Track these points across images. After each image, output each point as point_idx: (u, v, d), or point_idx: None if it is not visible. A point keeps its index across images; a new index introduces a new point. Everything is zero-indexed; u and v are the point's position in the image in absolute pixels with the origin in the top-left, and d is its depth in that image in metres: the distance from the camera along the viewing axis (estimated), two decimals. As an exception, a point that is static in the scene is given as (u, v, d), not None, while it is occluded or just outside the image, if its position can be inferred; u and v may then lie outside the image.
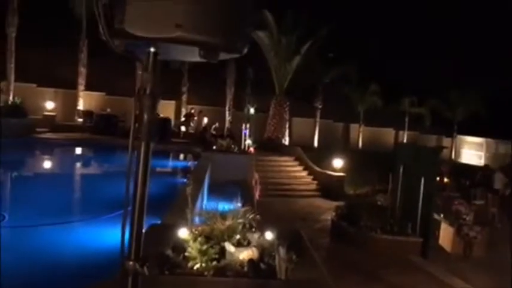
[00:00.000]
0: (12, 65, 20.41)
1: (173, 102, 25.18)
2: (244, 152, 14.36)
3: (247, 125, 15.24)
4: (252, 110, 17.05)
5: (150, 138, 1.69)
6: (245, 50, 1.68)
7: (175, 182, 12.36)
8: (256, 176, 8.10)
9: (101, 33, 1.52)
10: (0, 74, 20.18)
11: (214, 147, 14.50)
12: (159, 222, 6.60)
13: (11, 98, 19.98)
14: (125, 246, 1.54)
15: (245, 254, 4.50)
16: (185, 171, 13.51)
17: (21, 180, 11.84)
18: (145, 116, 1.58)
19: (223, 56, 1.62)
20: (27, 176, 12.59)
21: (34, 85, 21.87)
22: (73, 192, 11.13)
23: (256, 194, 7.06)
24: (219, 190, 9.39)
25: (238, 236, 4.96)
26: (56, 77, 22.44)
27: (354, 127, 28.72)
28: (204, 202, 8.60)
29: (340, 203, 10.93)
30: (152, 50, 1.60)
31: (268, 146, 18.94)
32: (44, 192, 9.54)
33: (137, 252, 1.67)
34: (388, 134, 30.28)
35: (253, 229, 5.47)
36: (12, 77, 20.40)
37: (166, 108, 23.63)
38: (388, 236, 9.12)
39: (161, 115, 22.29)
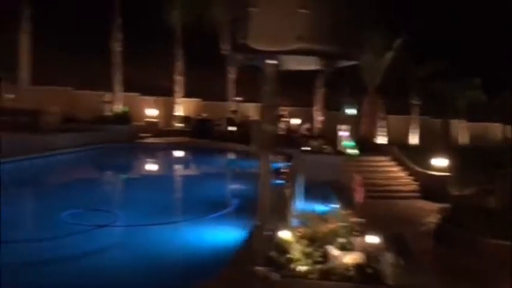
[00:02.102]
0: (118, 77, 22.21)
1: (258, 104, 25.51)
2: (338, 153, 14.13)
3: (345, 126, 14.95)
4: (351, 111, 16.71)
5: (272, 146, 1.76)
6: (361, 57, 1.68)
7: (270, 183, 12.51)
8: (357, 178, 7.93)
9: (224, 48, 1.60)
10: (106, 85, 22.08)
11: (305, 148, 14.40)
12: (259, 223, 6.78)
13: (117, 107, 21.75)
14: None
15: (350, 258, 4.46)
16: (277, 172, 13.63)
17: (129, 182, 12.81)
18: (267, 126, 1.65)
19: (341, 63, 1.63)
20: (135, 178, 13.58)
21: (137, 94, 23.58)
22: (176, 193, 11.81)
23: (358, 197, 6.90)
24: (313, 191, 9.36)
25: (341, 240, 4.93)
26: (157, 85, 23.97)
27: (453, 123, 26.90)
28: (300, 203, 8.62)
29: (444, 205, 10.27)
30: (272, 61, 1.66)
31: (362, 145, 18.42)
32: (150, 193, 10.20)
33: (263, 257, 1.74)
34: (494, 129, 27.92)
35: (357, 233, 5.40)
36: (118, 88, 22.19)
37: (252, 110, 23.99)
38: (499, 241, 8.41)
39: (252, 118, 22.79)
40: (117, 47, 21.98)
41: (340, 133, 14.76)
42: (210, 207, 8.63)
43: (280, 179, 10.78)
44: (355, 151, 13.86)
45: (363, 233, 5.44)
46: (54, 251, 6.00)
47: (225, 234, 7.08)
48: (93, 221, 7.23)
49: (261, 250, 1.57)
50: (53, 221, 7.18)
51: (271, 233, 5.01)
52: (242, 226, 6.48)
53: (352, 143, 14.48)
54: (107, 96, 21.81)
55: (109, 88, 22.03)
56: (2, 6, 19.22)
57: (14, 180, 11.17)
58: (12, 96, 18.81)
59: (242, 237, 5.86)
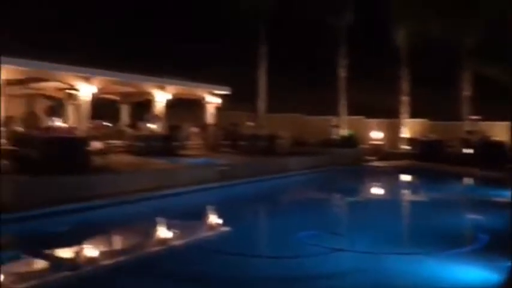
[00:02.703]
0: (343, 101, 22.95)
1: (506, 123, 22.43)
2: None
3: None
4: None
5: None
6: None
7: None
8: None
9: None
10: (333, 110, 23.04)
11: None
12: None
13: (343, 130, 22.42)
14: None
15: None
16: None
17: (357, 206, 12.83)
18: None
19: None
20: (362, 202, 13.56)
21: (362, 117, 23.85)
22: (407, 220, 11.28)
23: None
24: None
25: None
26: (381, 107, 23.78)
27: None
28: None
29: None
30: None
31: None
32: (379, 218, 9.98)
33: None
34: None
35: None
36: (343, 112, 22.90)
37: (497, 131, 21.24)
38: None
39: (494, 138, 20.24)
40: (342, 72, 22.83)
41: None
42: (450, 241, 7.89)
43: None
44: None
45: None
46: (294, 269, 6.40)
47: (472, 274, 6.27)
48: (330, 243, 7.49)
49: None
50: (291, 240, 7.71)
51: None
52: (496, 268, 5.74)
53: None
54: (334, 121, 22.73)
55: (336, 112, 22.96)
56: (241, 46, 22.30)
57: (253, 198, 12.64)
58: (252, 123, 21.47)
59: (499, 281, 5.14)
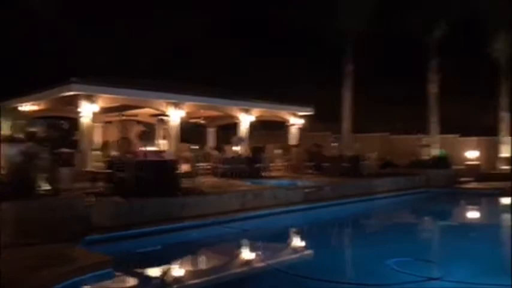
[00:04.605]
0: (433, 119, 21.73)
1: None
2: None
3: None
4: None
5: None
6: None
7: None
8: None
9: None
10: (423, 128, 21.89)
11: None
12: None
13: (434, 151, 21.15)
14: None
15: None
16: None
17: (450, 232, 11.95)
18: None
19: None
20: (456, 228, 12.59)
21: (457, 135, 22.39)
22: (507, 249, 10.24)
23: None
24: None
25: None
26: (478, 124, 22.19)
27: None
28: None
29: None
30: None
31: None
32: (475, 246, 9.21)
33: None
34: None
35: None
36: (434, 130, 21.65)
37: None
38: None
39: None
40: (432, 88, 21.72)
41: None
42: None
43: None
44: None
45: None
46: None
47: None
48: (422, 271, 7.02)
49: None
50: (380, 267, 7.34)
51: None
52: None
53: None
54: (424, 140, 21.59)
55: (425, 131, 21.83)
56: (327, 64, 22.16)
57: (338, 221, 12.29)
58: (336, 144, 21.11)
59: None
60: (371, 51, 21.68)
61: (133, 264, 7.72)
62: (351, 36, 20.76)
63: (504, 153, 21.28)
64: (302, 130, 20.68)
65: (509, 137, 21.50)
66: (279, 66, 25.21)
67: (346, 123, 22.06)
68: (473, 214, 15.48)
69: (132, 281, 7.19)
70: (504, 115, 21.56)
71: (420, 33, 20.79)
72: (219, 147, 19.23)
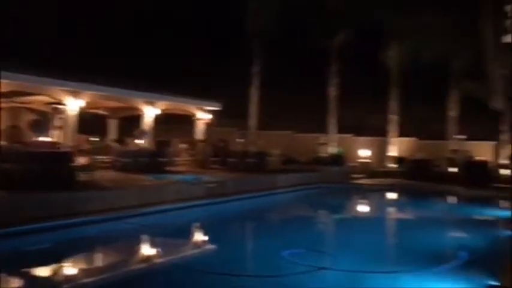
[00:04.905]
0: (332, 120, 23.10)
1: (490, 143, 22.76)
2: None
3: None
4: None
5: None
6: None
7: (501, 233, 10.89)
8: None
9: (496, 103, 1.48)
10: (323, 128, 23.16)
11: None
12: (495, 283, 5.89)
13: (332, 149, 22.51)
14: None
15: None
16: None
17: (342, 224, 12.81)
18: None
19: None
20: (347, 220, 13.53)
21: (350, 135, 24.01)
22: (391, 238, 11.28)
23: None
24: None
25: None
26: (370, 126, 23.99)
27: None
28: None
29: None
30: None
31: None
32: (364, 237, 9.96)
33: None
34: None
35: None
36: (332, 130, 23.03)
37: (482, 150, 21.56)
38: None
39: (476, 157, 20.52)
40: (332, 91, 23.05)
41: None
42: (432, 259, 7.95)
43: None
44: None
45: None
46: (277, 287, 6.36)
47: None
48: (315, 261, 7.46)
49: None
50: (276, 259, 7.66)
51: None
52: (475, 285, 5.76)
53: None
54: (323, 139, 22.84)
55: (325, 131, 23.11)
56: (236, 63, 22.52)
57: (240, 215, 12.55)
58: (242, 140, 21.49)
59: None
60: (278, 52, 22.39)
61: (13, 264, 7.16)
62: (257, 37, 21.28)
63: (391, 152, 23.31)
64: (209, 125, 20.72)
65: (397, 138, 23.59)
66: (193, 63, 25.01)
67: (253, 121, 22.57)
68: (363, 207, 16.75)
69: (14, 281, 6.67)
70: (392, 117, 23.59)
71: (322, 38, 21.99)
72: (121, 140, 18.53)
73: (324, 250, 8.86)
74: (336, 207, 15.52)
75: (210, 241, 9.82)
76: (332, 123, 23.11)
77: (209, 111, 20.35)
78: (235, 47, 23.02)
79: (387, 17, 21.17)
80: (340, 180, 19.53)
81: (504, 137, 21.32)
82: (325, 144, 22.81)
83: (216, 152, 19.19)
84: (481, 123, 20.85)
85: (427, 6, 19.46)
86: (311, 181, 18.23)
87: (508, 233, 10.17)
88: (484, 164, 19.43)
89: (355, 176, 21.01)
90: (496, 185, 17.73)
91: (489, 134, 21.66)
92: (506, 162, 20.19)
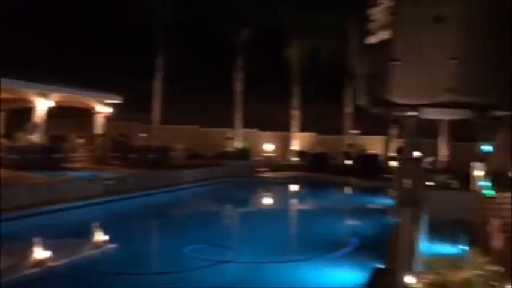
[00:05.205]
0: (238, 114, 23.38)
1: (381, 137, 24.69)
2: (467, 189, 12.94)
3: (479, 164, 13.65)
4: (488, 148, 15.31)
5: (417, 202, 1.72)
6: None
7: (388, 220, 11.90)
8: (495, 222, 7.13)
9: (360, 101, 1.61)
10: (229, 123, 23.33)
11: (429, 183, 13.47)
12: (381, 266, 6.40)
13: (238, 143, 22.79)
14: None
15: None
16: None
17: (246, 217, 13.10)
18: (407, 182, 1.59)
19: (495, 114, 1.51)
20: (251, 213, 13.86)
21: (256, 130, 24.50)
22: (293, 229, 11.78)
23: (497, 243, 6.16)
24: (437, 231, 8.62)
25: (478, 292, 4.42)
26: (274, 121, 24.67)
27: None
28: (423, 244, 7.96)
29: None
30: (413, 113, 1.61)
31: (496, 180, 16.62)
32: (268, 229, 10.29)
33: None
34: None
35: (495, 283, 4.79)
36: (238, 125, 23.32)
37: (374, 144, 23.32)
38: None
39: (369, 151, 22.11)
40: (238, 86, 23.28)
41: (475, 172, 13.42)
42: (328, 246, 8.45)
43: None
44: (492, 192, 12.55)
45: (503, 284, 4.81)
46: (178, 284, 6.30)
47: (344, 276, 6.83)
48: (216, 256, 7.51)
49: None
50: (177, 255, 7.59)
51: (401, 279, 4.72)
52: (364, 269, 6.22)
53: (489, 183, 13.11)
54: (229, 133, 23.01)
55: (231, 125, 23.28)
56: (139, 56, 21.78)
57: (141, 213, 12.20)
58: (144, 135, 20.86)
59: (364, 282, 5.61)
60: (184, 45, 22.03)
61: None
62: (162, 28, 20.77)
63: (294, 146, 24.25)
64: (109, 119, 19.76)
65: (299, 133, 24.58)
66: (96, 54, 23.64)
67: (156, 114, 21.99)
68: (266, 200, 17.24)
69: None
70: (294, 113, 24.53)
71: (228, 33, 22.10)
72: (8, 135, 16.94)
73: (227, 244, 8.96)
74: (240, 200, 15.77)
75: (109, 241, 9.42)
76: (238, 118, 23.38)
77: (109, 105, 19.40)
78: (139, 38, 22.17)
79: (290, 16, 21.87)
80: (245, 174, 19.86)
81: (392, 131, 23.25)
82: (231, 138, 23.03)
83: (116, 147, 18.39)
84: (373, 118, 22.49)
85: (326, 6, 20.38)
86: (216, 175, 18.30)
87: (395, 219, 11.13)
88: (375, 156, 21.03)
89: (260, 169, 21.51)
90: (385, 175, 19.29)
91: (380, 129, 23.52)
92: (394, 154, 22.09)
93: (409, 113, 1.54)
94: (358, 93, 1.59)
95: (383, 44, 1.56)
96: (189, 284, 6.28)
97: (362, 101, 1.51)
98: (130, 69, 22.26)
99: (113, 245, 9.10)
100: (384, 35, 1.59)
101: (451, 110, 1.39)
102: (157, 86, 21.82)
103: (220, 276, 6.67)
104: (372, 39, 1.61)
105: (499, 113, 1.48)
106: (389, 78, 1.44)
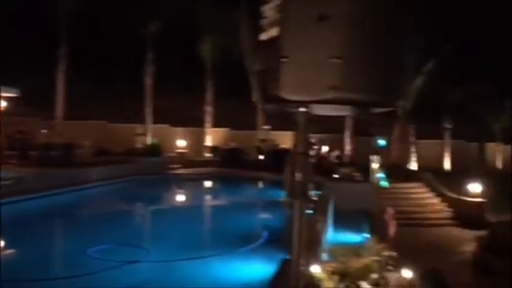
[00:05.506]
0: (149, 110, 22.71)
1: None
2: (369, 181, 13.88)
3: (377, 157, 14.68)
4: (382, 142, 16.51)
5: (306, 195, 1.78)
6: (400, 102, 1.65)
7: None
8: (390, 210, 7.69)
9: (254, 97, 1.61)
10: (140, 118, 22.57)
11: (335, 176, 14.25)
12: (288, 257, 6.61)
13: (148, 139, 22.15)
14: None
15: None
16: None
17: (158, 215, 12.82)
18: (300, 174, 1.65)
19: (376, 110, 1.60)
20: (163, 211, 13.59)
21: (167, 126, 23.99)
22: (206, 225, 11.74)
23: (391, 231, 6.67)
24: (343, 221, 9.15)
25: (375, 275, 4.73)
26: (187, 116, 24.34)
27: (490, 146, 25.98)
28: (330, 233, 8.39)
29: (481, 233, 9.87)
30: (304, 109, 1.65)
31: (393, 172, 18.04)
32: (180, 226, 10.15)
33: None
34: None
35: (391, 267, 5.18)
36: (149, 120, 22.66)
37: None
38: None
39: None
40: (148, 80, 22.59)
41: (373, 165, 14.44)
42: (240, 240, 8.53)
43: (309, 208, 10.59)
44: (386, 183, 13.60)
45: (397, 268, 5.21)
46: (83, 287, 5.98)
47: (255, 269, 6.93)
48: (123, 256, 7.22)
49: (292, 286, 1.57)
50: (81, 257, 7.19)
51: (304, 269, 4.88)
52: (273, 260, 6.36)
53: (384, 175, 14.20)
54: (139, 129, 22.26)
55: (141, 121, 22.55)
56: (40, 46, 20.21)
57: (40, 215, 11.34)
58: (45, 131, 19.44)
59: (273, 273, 5.74)
60: (90, 36, 20.81)
61: None
62: (65, 17, 19.49)
63: (207, 142, 24.16)
64: (5, 114, 18.07)
65: (212, 128, 24.54)
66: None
67: (60, 109, 20.60)
68: (178, 197, 17.00)
69: None
70: (208, 108, 24.43)
71: (136, 25, 21.33)
72: None
73: (136, 243, 8.66)
74: (150, 198, 15.36)
75: (6, 246, 8.63)
76: (148, 112, 22.70)
77: (4, 98, 17.75)
78: (38, 27, 20.52)
79: (203, 12, 21.66)
80: (156, 171, 19.33)
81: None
82: (142, 134, 22.30)
83: (14, 145, 16.95)
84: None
85: (237, 3, 20.53)
86: (125, 173, 17.58)
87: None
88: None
89: (173, 166, 21.09)
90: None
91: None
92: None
93: (301, 109, 1.60)
94: (252, 90, 1.62)
95: (273, 41, 1.59)
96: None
97: (255, 98, 1.55)
98: (32, 61, 20.60)
99: (9, 251, 8.36)
100: (273, 32, 1.62)
101: (337, 107, 1.47)
102: (60, 78, 20.44)
103: (127, 277, 6.43)
104: (264, 36, 1.64)
105: (379, 110, 1.59)
106: (279, 75, 1.47)
